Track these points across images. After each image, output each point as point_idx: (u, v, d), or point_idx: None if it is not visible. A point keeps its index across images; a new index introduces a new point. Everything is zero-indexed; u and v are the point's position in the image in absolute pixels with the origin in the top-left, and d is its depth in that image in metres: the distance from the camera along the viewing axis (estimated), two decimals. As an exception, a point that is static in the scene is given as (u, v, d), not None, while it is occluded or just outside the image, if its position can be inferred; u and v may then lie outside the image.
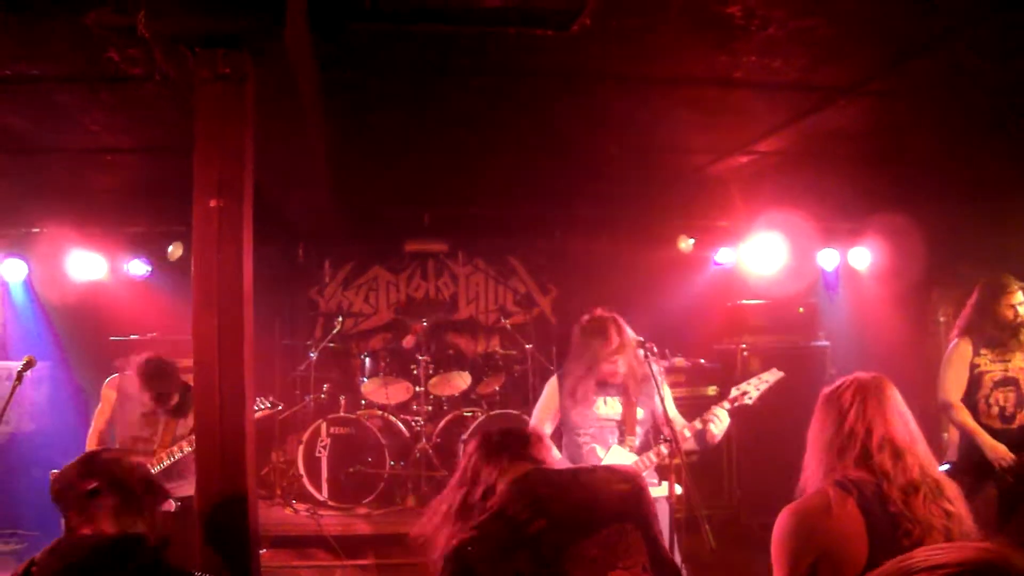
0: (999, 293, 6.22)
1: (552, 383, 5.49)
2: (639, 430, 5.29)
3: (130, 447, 5.89)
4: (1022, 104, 6.20)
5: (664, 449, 4.97)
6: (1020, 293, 6.21)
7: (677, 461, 4.77)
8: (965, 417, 6.14)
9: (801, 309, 9.66)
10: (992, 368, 6.20)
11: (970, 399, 6.20)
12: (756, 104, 6.25)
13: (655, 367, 5.17)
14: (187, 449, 5.75)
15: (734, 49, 5.01)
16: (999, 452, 5.97)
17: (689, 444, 5.25)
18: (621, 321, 5.30)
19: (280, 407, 6.48)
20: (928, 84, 5.78)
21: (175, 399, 5.91)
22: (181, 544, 5.63)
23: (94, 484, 3.04)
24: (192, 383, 5.96)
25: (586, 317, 5.41)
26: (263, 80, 3.80)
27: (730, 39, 4.85)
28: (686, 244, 10.26)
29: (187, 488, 5.86)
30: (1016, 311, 6.18)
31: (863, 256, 10.31)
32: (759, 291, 9.88)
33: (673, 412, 5.43)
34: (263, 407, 6.23)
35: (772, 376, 5.35)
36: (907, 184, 8.73)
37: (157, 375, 5.85)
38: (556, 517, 2.58)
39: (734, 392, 5.31)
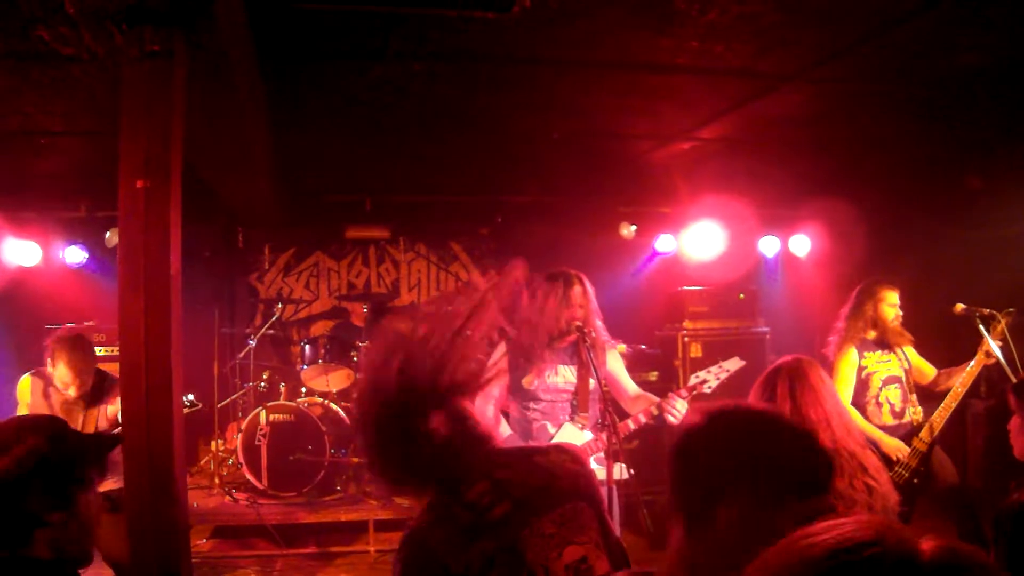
0: (882, 293, 6.34)
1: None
2: (591, 406, 5.23)
3: None
4: (963, 94, 6.27)
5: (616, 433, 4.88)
6: (896, 294, 6.34)
7: (615, 446, 4.71)
8: (859, 420, 6.22)
9: (742, 295, 9.72)
10: (878, 368, 6.30)
11: (860, 400, 6.28)
12: (699, 90, 6.25)
13: (608, 340, 5.17)
14: None
15: (676, 34, 4.99)
16: (894, 446, 6.07)
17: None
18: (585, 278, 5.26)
19: (200, 406, 6.32)
20: (871, 73, 5.82)
21: (89, 383, 5.78)
22: (106, 536, 5.60)
23: None
24: (109, 371, 5.96)
25: (547, 271, 5.33)
26: (194, 58, 3.72)
27: (672, 23, 4.83)
28: (628, 231, 10.28)
29: (111, 483, 5.77)
30: (897, 311, 6.31)
31: (803, 243, 10.42)
32: (700, 277, 9.93)
33: (631, 385, 5.40)
34: (185, 405, 6.09)
35: (733, 365, 5.30)
36: (847, 172, 8.83)
37: (78, 347, 5.71)
38: (517, 499, 2.56)
39: (693, 380, 5.25)
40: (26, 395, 5.92)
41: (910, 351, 6.45)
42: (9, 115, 6.27)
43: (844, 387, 6.27)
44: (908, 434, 6.18)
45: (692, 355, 9.07)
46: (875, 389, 6.28)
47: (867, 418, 6.24)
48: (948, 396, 6.14)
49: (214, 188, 7.35)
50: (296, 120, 6.78)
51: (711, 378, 5.24)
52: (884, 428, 6.18)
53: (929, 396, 6.43)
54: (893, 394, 6.28)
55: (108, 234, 9.20)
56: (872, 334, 6.37)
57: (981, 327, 6.23)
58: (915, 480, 6.06)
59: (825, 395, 3.20)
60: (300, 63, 5.55)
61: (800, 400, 3.14)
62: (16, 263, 9.03)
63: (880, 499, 3.04)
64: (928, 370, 6.46)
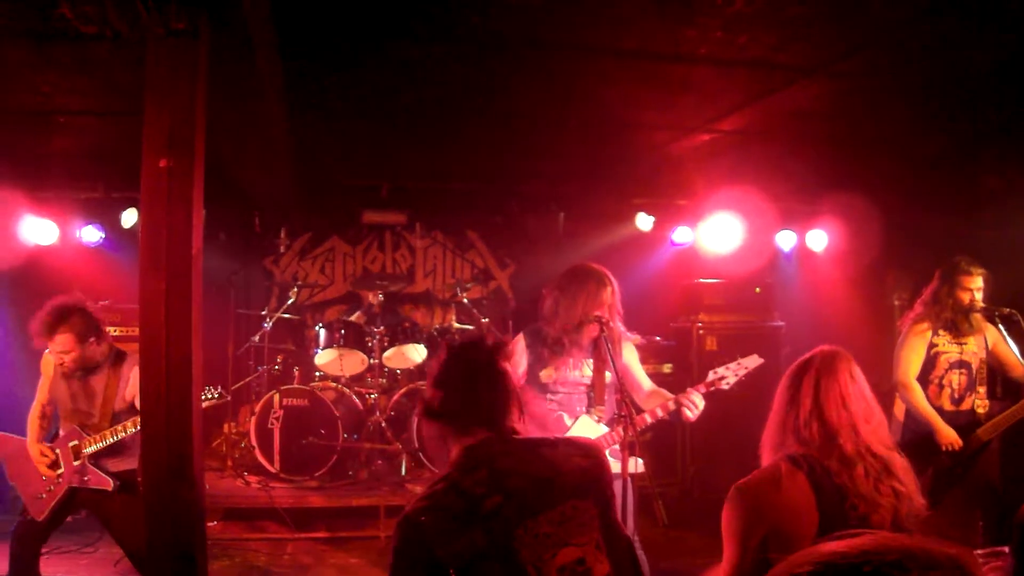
0: (958, 277, 6.26)
1: (519, 340, 5.31)
2: (607, 399, 5.21)
3: (71, 420, 5.75)
4: (983, 91, 6.23)
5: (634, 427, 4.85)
6: (979, 278, 6.25)
7: (631, 438, 4.69)
8: (920, 399, 6.20)
9: (758, 289, 9.71)
10: (949, 350, 6.27)
11: (923, 379, 6.26)
12: (719, 82, 6.21)
13: (625, 333, 5.16)
14: (131, 430, 5.60)
15: (701, 23, 4.96)
16: (950, 437, 6.04)
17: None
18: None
19: (228, 398, 6.32)
20: (893, 67, 5.78)
21: (95, 363, 5.74)
22: (123, 519, 5.62)
23: None
24: (126, 351, 5.95)
25: (576, 264, 5.31)
26: (218, 37, 3.71)
27: (697, 13, 4.80)
28: (645, 222, 10.25)
29: (128, 463, 5.77)
30: (973, 295, 6.23)
31: (820, 238, 10.37)
32: (716, 270, 9.90)
33: (645, 381, 5.39)
34: (211, 397, 6.06)
35: (752, 362, 5.27)
36: (865, 167, 8.78)
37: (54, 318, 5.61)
38: (513, 492, 2.55)
39: (711, 376, 5.23)
40: (48, 372, 5.92)
41: (995, 338, 6.36)
42: (28, 94, 6.26)
43: (912, 358, 6.28)
44: (970, 424, 6.15)
45: (707, 348, 9.07)
46: (940, 370, 6.26)
47: (929, 398, 6.23)
48: (1020, 404, 6.06)
49: (232, 171, 7.34)
50: (315, 103, 6.76)
51: (729, 375, 5.22)
52: (942, 412, 6.16)
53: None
54: (956, 379, 6.24)
55: (125, 214, 9.20)
56: (946, 317, 6.31)
57: (1000, 326, 6.20)
58: (958, 470, 6.04)
59: (852, 395, 3.14)
60: (321, 45, 5.52)
61: (824, 399, 3.09)
62: (33, 242, 9.04)
63: (906, 502, 3.01)
64: (1014, 362, 6.30)
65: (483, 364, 2.85)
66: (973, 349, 6.30)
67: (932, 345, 6.28)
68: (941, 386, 6.27)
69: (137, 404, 5.51)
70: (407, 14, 4.99)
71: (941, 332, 6.29)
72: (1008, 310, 6.17)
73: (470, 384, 2.82)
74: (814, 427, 3.06)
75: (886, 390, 6.48)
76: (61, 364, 5.68)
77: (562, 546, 2.54)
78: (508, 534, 2.49)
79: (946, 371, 6.25)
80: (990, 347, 6.33)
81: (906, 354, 6.34)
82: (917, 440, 6.18)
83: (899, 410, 6.52)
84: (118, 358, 5.83)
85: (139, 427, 5.45)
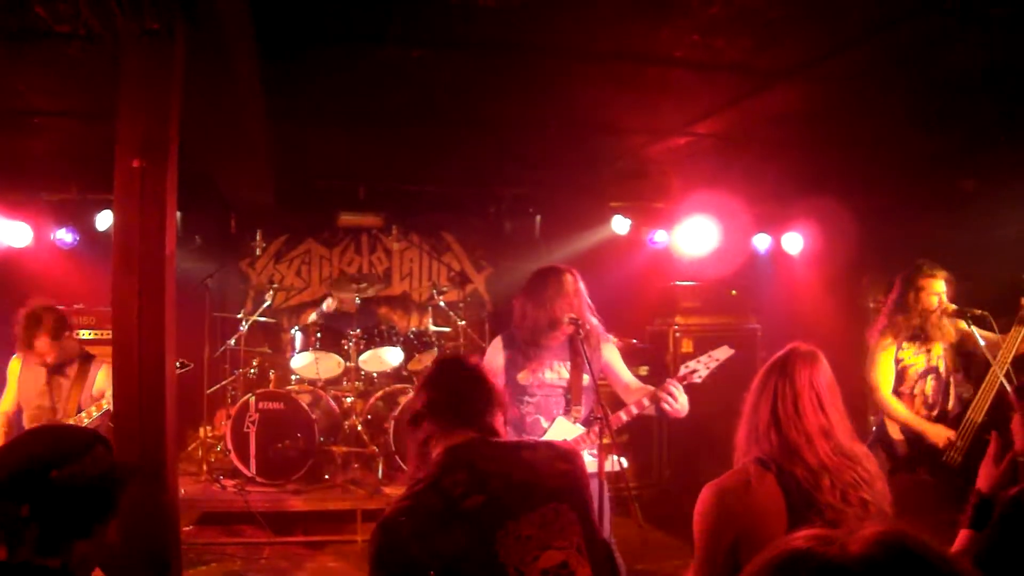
0: (921, 281, 6.23)
1: (496, 343, 5.33)
2: (584, 400, 5.21)
3: (36, 421, 5.76)
4: (958, 95, 6.27)
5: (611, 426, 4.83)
6: (942, 280, 6.22)
7: (607, 440, 4.69)
8: (903, 412, 6.15)
9: (734, 292, 9.74)
10: (915, 360, 6.24)
11: (896, 390, 6.25)
12: (695, 85, 6.23)
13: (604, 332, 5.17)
14: (95, 414, 5.61)
15: (678, 26, 4.97)
16: (937, 433, 6.00)
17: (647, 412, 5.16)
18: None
19: (191, 366, 6.30)
20: (868, 71, 5.81)
21: (66, 359, 5.89)
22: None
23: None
24: (93, 353, 6.04)
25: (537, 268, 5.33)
26: (193, 38, 3.69)
27: (673, 15, 4.81)
28: (621, 225, 10.27)
29: None
30: (940, 298, 6.20)
31: (795, 240, 10.42)
32: (692, 273, 9.93)
33: (628, 377, 5.37)
34: (177, 368, 6.10)
35: (722, 354, 5.27)
36: (841, 171, 8.83)
37: (53, 320, 5.83)
38: (494, 493, 2.55)
39: (683, 370, 5.22)
40: (14, 375, 5.93)
41: (963, 333, 6.17)
42: (2, 94, 6.22)
43: (884, 373, 6.23)
44: (956, 417, 6.11)
45: (683, 350, 9.08)
46: (910, 383, 6.21)
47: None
48: (989, 373, 5.97)
49: (208, 173, 7.30)
50: (292, 105, 6.74)
51: (701, 368, 5.22)
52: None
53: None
54: (928, 386, 6.22)
55: (99, 216, 9.16)
56: (913, 323, 6.28)
57: (973, 328, 6.20)
58: (957, 456, 6.00)
59: (827, 399, 3.12)
60: (298, 46, 5.51)
61: (803, 408, 3.08)
62: (6, 244, 8.97)
63: (876, 510, 3.01)
64: (980, 351, 6.07)
65: (470, 369, 3.01)
66: (939, 353, 6.28)
67: (899, 360, 6.26)
68: (913, 395, 6.25)
69: (104, 401, 5.59)
70: (385, 17, 4.99)
71: (905, 345, 6.24)
72: (980, 311, 6.16)
73: (457, 385, 2.93)
74: (787, 433, 3.05)
75: (859, 391, 6.49)
76: (44, 365, 5.82)
77: (544, 549, 2.53)
78: (489, 536, 2.48)
79: (916, 381, 6.24)
80: (957, 343, 6.30)
81: (877, 374, 6.28)
82: (915, 445, 6.16)
83: (877, 420, 6.51)
84: (86, 359, 5.94)
85: (102, 412, 5.56)
